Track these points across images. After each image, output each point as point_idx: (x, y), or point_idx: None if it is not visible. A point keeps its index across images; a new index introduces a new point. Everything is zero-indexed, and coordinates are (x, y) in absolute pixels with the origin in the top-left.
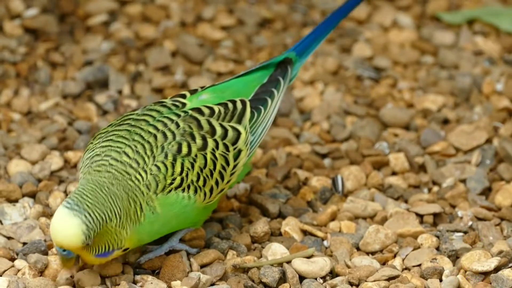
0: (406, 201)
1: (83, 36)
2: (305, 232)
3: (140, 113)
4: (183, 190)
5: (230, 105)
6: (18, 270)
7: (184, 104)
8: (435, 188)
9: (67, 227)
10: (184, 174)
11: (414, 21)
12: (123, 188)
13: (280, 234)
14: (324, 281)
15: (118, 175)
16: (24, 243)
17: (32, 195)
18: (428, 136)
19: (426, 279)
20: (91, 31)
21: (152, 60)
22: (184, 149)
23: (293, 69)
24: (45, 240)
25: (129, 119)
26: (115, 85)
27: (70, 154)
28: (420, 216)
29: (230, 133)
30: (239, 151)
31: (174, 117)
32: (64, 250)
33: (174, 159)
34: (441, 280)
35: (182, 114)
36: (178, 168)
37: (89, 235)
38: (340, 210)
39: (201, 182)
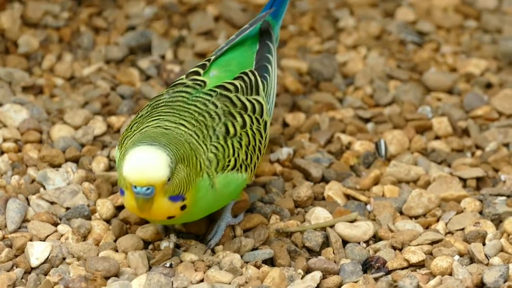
0: (449, 165)
1: (126, 1)
2: (348, 197)
3: (168, 97)
4: (237, 170)
5: (246, 78)
6: (61, 235)
7: (204, 82)
8: (478, 152)
9: (153, 160)
10: (236, 155)
11: None
12: (187, 142)
13: (323, 199)
14: (367, 245)
15: (180, 133)
16: (67, 208)
17: (75, 160)
18: (471, 100)
19: (469, 243)
20: None
21: (195, 24)
22: (231, 130)
23: (274, 32)
24: (88, 205)
25: (162, 104)
26: (158, 50)
27: (113, 119)
28: (463, 180)
29: (256, 106)
30: (265, 123)
31: (207, 97)
32: (148, 189)
33: (225, 141)
34: (484, 244)
35: (213, 93)
36: (231, 150)
37: (172, 169)
38: (383, 174)
39: (248, 160)
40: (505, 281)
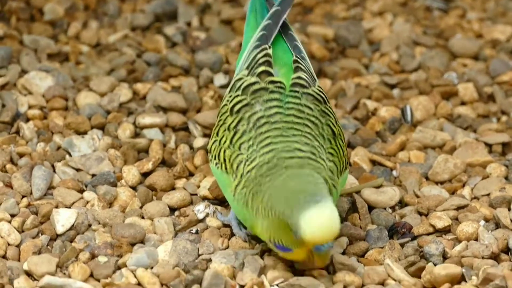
0: (475, 131)
1: None
2: (374, 162)
3: (263, 109)
4: (347, 167)
5: (303, 67)
6: (87, 202)
7: (283, 84)
8: (504, 118)
9: (334, 216)
10: (344, 153)
11: None
12: (318, 172)
13: (350, 164)
14: (393, 210)
15: (308, 165)
16: (93, 175)
17: (101, 127)
18: (496, 66)
19: (495, 208)
20: None
21: None
22: (335, 130)
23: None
24: (114, 172)
25: (263, 122)
26: (184, 17)
27: (138, 86)
28: (489, 146)
29: (324, 95)
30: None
31: (296, 100)
32: (332, 242)
33: (335, 142)
34: (509, 209)
35: (298, 94)
36: (341, 150)
37: None
38: (409, 140)
39: (346, 153)
40: None
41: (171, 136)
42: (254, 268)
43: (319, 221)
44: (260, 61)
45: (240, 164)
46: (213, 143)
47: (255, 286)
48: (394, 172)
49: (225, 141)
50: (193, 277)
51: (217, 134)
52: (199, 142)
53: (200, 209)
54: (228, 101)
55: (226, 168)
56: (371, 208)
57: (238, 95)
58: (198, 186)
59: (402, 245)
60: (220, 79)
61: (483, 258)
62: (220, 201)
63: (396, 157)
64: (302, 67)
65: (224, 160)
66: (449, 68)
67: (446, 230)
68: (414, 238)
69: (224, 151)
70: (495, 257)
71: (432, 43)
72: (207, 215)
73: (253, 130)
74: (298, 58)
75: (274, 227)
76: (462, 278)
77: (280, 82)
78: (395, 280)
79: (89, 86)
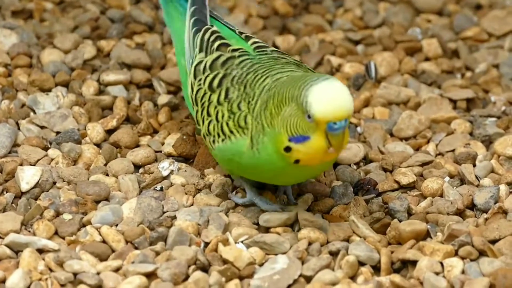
0: (439, 87)
1: None
2: None
3: (239, 69)
4: None
5: (251, 35)
6: (52, 159)
7: (245, 49)
8: (468, 74)
9: (345, 90)
10: None
11: None
12: None
13: None
14: (358, 167)
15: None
16: (58, 132)
17: (65, 84)
18: (460, 21)
19: (460, 164)
20: None
21: None
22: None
23: None
24: (78, 129)
25: (241, 75)
26: None
27: (103, 43)
28: (453, 102)
29: None
30: None
31: (268, 55)
32: (346, 121)
33: None
34: (474, 165)
35: (267, 51)
36: None
37: None
38: (373, 96)
39: None
40: (495, 202)
41: (136, 93)
42: (219, 225)
43: (328, 93)
44: (212, 38)
45: (246, 116)
46: (209, 124)
47: (220, 243)
48: (358, 129)
49: (222, 115)
50: (158, 234)
51: (209, 115)
52: (163, 99)
53: (165, 166)
54: (200, 84)
55: (237, 132)
56: (336, 164)
57: (208, 74)
58: (163, 143)
59: (367, 201)
60: None
61: (448, 214)
62: (185, 158)
63: (360, 113)
64: (251, 35)
65: (231, 131)
66: (413, 24)
67: (411, 187)
68: (379, 194)
69: (227, 123)
70: (460, 213)
71: None
72: (172, 172)
73: (241, 86)
74: (240, 31)
75: (287, 118)
76: (427, 235)
77: (242, 49)
78: (360, 237)
79: (53, 43)
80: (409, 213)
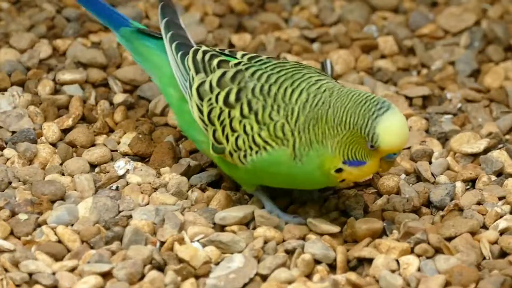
0: (395, 84)
1: None
2: None
3: (254, 80)
4: None
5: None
6: (7, 159)
7: (243, 61)
8: (424, 71)
9: (407, 125)
10: None
11: None
12: None
13: None
14: None
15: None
16: (13, 132)
17: (21, 84)
18: (416, 18)
19: (416, 162)
20: None
21: None
22: None
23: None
24: (34, 129)
25: (262, 87)
26: None
27: (58, 42)
28: (409, 99)
29: None
30: None
31: (271, 61)
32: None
33: None
34: (430, 163)
35: (265, 59)
36: None
37: None
38: None
39: None
40: (451, 199)
41: (91, 92)
42: (175, 224)
43: (395, 128)
44: (207, 57)
45: (283, 126)
46: (237, 140)
47: (176, 242)
48: None
49: (251, 127)
50: (114, 233)
51: (234, 130)
52: (119, 98)
53: (121, 165)
54: (211, 104)
55: (274, 142)
56: None
57: (220, 92)
58: (118, 142)
59: (323, 199)
60: None
61: (404, 211)
62: (141, 157)
63: None
64: (233, 50)
65: (266, 141)
66: (369, 21)
67: (367, 184)
68: (335, 192)
69: (259, 135)
70: (416, 210)
71: None
72: (127, 171)
73: (267, 98)
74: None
75: (346, 142)
76: (383, 232)
77: (241, 62)
78: (316, 235)
79: (9, 42)
80: (365, 211)
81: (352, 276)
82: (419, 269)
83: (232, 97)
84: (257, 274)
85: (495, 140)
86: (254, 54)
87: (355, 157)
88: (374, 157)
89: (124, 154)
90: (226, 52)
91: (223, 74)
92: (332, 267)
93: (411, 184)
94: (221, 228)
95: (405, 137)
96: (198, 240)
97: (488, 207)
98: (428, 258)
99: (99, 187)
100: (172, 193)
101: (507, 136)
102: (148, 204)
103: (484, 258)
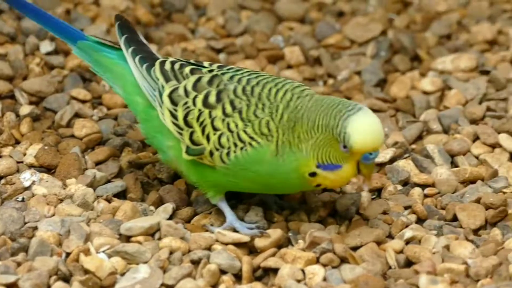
0: None
1: None
2: None
3: (234, 83)
4: None
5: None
6: None
7: (215, 68)
8: (331, 81)
9: (378, 121)
10: None
11: None
12: None
13: None
14: None
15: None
16: None
17: None
18: (323, 29)
19: None
20: None
21: None
22: None
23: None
24: None
25: (244, 88)
26: None
27: None
28: None
29: None
30: None
31: (242, 69)
32: (377, 152)
33: None
34: None
35: (236, 67)
36: None
37: None
38: None
39: None
40: (357, 209)
41: None
42: (80, 235)
43: (366, 125)
44: (176, 66)
45: (268, 123)
46: (220, 138)
47: (81, 253)
48: None
49: (236, 125)
50: (19, 245)
51: (216, 129)
52: (25, 109)
53: (26, 177)
54: (188, 107)
55: (259, 138)
56: None
57: (196, 95)
58: (25, 154)
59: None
60: (46, 46)
61: (309, 221)
62: (47, 169)
63: None
64: (199, 61)
65: (252, 137)
66: (275, 32)
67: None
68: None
69: (244, 131)
70: (321, 220)
71: (258, 6)
72: (33, 182)
73: (251, 97)
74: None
75: (320, 145)
76: (288, 242)
77: (213, 70)
78: (222, 245)
79: None
80: (271, 221)
81: (258, 286)
82: (324, 279)
83: (212, 99)
84: (162, 284)
85: (401, 149)
86: (221, 64)
87: (330, 160)
88: (350, 160)
89: (30, 166)
90: (192, 61)
91: (199, 79)
92: (238, 277)
93: (317, 194)
94: (127, 238)
95: (377, 136)
96: (103, 251)
97: (394, 217)
98: (334, 267)
99: (5, 199)
100: (78, 204)
101: (413, 146)
102: (54, 215)
103: (390, 267)
